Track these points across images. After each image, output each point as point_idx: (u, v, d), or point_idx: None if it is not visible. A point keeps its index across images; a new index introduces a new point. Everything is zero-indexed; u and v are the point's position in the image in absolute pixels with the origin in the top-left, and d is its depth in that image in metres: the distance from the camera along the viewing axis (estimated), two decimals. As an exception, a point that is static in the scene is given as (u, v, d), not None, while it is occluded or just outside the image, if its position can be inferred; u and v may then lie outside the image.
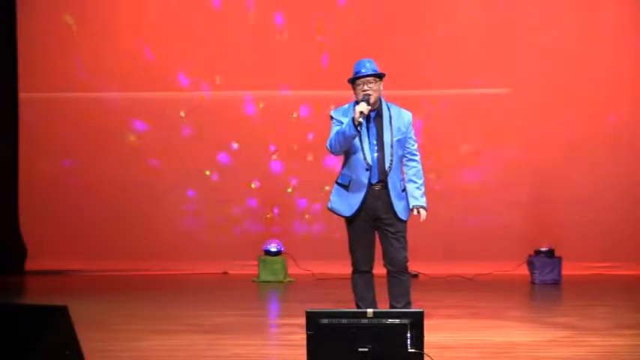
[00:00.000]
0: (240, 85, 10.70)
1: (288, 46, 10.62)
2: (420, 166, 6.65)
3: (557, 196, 10.45)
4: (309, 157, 10.63)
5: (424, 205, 6.59)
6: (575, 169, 10.43)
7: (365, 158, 6.44)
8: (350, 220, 6.55)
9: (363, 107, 6.31)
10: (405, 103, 6.91)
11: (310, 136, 10.59)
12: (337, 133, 6.41)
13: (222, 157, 10.75)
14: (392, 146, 6.48)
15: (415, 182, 6.60)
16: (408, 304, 6.56)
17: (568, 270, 9.79)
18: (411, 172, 6.61)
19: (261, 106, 10.72)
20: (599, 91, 10.39)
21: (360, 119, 6.30)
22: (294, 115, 10.58)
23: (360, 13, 10.55)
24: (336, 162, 10.52)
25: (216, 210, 10.71)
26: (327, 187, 10.50)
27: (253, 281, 9.95)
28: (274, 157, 10.67)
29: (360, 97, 6.41)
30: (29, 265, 10.60)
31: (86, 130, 10.71)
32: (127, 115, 10.75)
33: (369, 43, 10.32)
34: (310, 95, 10.64)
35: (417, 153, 6.66)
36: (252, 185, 10.74)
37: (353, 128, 6.30)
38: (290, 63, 10.62)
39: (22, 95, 10.69)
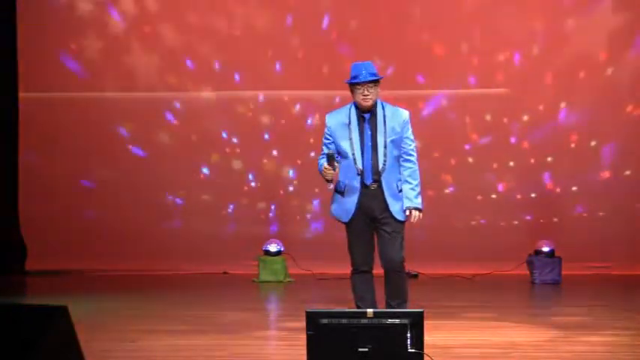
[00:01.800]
0: (240, 85, 10.70)
1: (289, 46, 10.63)
2: (415, 167, 6.58)
3: (557, 196, 10.45)
4: (310, 157, 10.64)
5: (419, 206, 6.54)
6: (575, 168, 10.44)
7: (355, 163, 6.46)
8: (348, 223, 6.58)
9: (329, 176, 6.38)
10: (406, 103, 6.92)
11: (310, 136, 10.59)
12: (319, 163, 6.52)
13: (222, 157, 10.76)
14: (385, 147, 6.47)
15: (410, 183, 6.55)
16: (403, 303, 6.56)
17: (568, 270, 9.79)
18: (406, 172, 6.55)
19: (261, 105, 10.72)
20: (598, 91, 10.39)
21: (330, 187, 6.50)
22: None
23: (362, 14, 10.56)
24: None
25: (215, 210, 10.72)
26: (330, 187, 10.53)
27: (253, 281, 9.95)
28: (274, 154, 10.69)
29: (326, 177, 6.44)
30: (29, 265, 10.61)
31: (86, 130, 10.72)
32: (126, 115, 10.76)
33: (369, 43, 10.36)
34: (310, 95, 10.64)
35: (414, 153, 6.58)
36: (252, 185, 10.74)
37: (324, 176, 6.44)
38: (291, 63, 10.63)
39: (22, 95, 10.70)
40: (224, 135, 10.74)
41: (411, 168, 6.56)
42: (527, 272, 9.83)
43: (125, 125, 10.77)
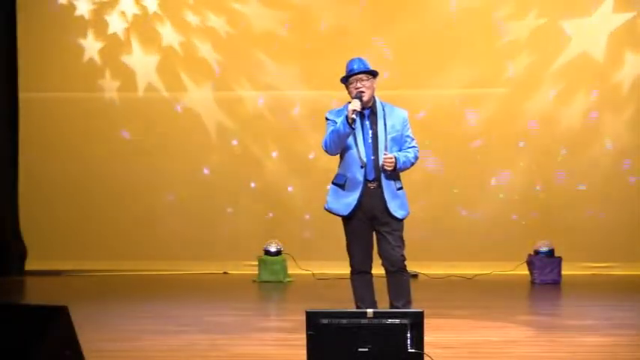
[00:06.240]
0: (240, 85, 10.70)
1: (289, 46, 10.64)
2: (414, 153, 6.54)
3: (557, 196, 10.45)
4: (309, 157, 10.63)
5: (398, 160, 6.40)
6: (575, 168, 10.43)
7: (360, 156, 6.45)
8: (347, 221, 6.54)
9: (356, 105, 6.33)
10: (406, 102, 6.91)
11: (310, 137, 10.59)
12: (332, 132, 6.43)
13: (222, 157, 10.75)
14: (386, 143, 6.48)
15: (405, 152, 6.51)
16: (408, 303, 6.55)
17: (568, 270, 9.79)
18: (404, 152, 6.53)
19: (261, 106, 10.72)
20: (598, 91, 10.39)
21: (354, 116, 6.31)
22: None
23: (358, 13, 10.57)
24: (335, 161, 10.55)
25: (216, 210, 10.71)
26: (328, 187, 10.52)
27: (253, 281, 9.95)
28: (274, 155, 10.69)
29: (354, 95, 6.43)
30: (29, 265, 10.61)
31: (86, 130, 10.72)
32: (126, 114, 10.75)
33: (367, 42, 10.37)
34: (310, 95, 10.64)
35: (413, 149, 6.59)
36: (252, 185, 10.74)
37: (347, 126, 6.32)
38: (290, 63, 10.64)
39: (22, 95, 10.70)
40: (224, 135, 10.73)
41: (411, 151, 6.53)
42: (527, 272, 9.83)
43: (125, 125, 10.76)
